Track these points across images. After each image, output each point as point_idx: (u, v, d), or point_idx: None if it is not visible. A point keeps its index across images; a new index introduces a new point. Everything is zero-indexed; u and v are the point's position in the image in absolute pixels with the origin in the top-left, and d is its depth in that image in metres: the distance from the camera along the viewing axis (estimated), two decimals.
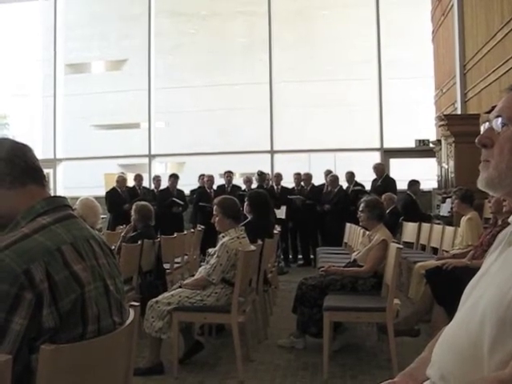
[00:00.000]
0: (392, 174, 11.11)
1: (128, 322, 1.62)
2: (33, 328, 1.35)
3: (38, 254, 1.39)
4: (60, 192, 12.88)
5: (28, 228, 1.47)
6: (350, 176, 10.64)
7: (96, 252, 1.57)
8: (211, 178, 10.91)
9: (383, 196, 8.34)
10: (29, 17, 15.06)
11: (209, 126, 13.29)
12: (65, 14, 14.17)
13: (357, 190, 10.08)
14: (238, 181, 11.53)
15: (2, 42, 14.48)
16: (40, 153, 13.28)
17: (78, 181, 13.36)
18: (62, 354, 1.32)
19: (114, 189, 10.62)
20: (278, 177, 10.99)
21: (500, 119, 1.20)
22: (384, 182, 10.15)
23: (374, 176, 10.45)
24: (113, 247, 4.61)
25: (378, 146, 12.58)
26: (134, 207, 5.77)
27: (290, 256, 10.83)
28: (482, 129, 1.25)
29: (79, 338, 1.43)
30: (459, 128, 8.26)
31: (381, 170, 10.46)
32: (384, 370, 4.05)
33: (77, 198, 5.03)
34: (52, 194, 1.65)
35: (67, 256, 1.45)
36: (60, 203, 1.60)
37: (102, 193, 10.93)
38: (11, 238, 1.42)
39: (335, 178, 10.41)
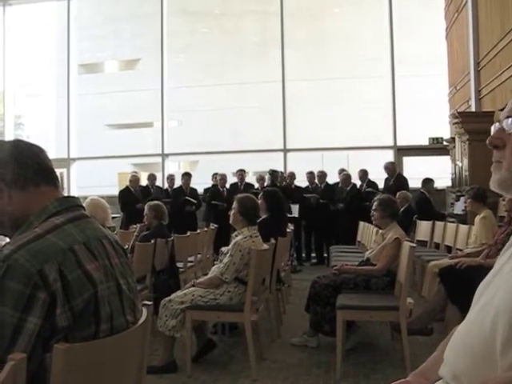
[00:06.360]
0: (405, 172, 11.04)
1: (141, 321, 1.63)
2: (47, 327, 1.36)
3: (51, 254, 1.41)
4: (74, 191, 12.98)
5: (41, 228, 1.48)
6: (363, 174, 10.59)
7: (108, 251, 1.58)
8: (224, 177, 10.94)
9: (398, 194, 8.31)
10: (42, 18, 15.18)
11: (222, 124, 13.30)
12: (78, 14, 14.26)
13: (369, 191, 10.00)
14: (251, 179, 11.53)
15: (17, 42, 14.59)
16: (54, 152, 13.39)
17: (92, 180, 13.42)
18: (75, 353, 1.33)
19: (126, 188, 10.67)
20: (292, 176, 10.98)
21: (511, 119, 1.18)
22: (396, 180, 10.09)
23: (386, 174, 10.40)
24: (126, 246, 4.65)
25: (391, 143, 12.52)
26: (147, 206, 5.79)
27: (303, 254, 10.83)
28: (493, 129, 1.23)
29: (92, 337, 1.44)
30: (473, 126, 8.21)
31: (392, 169, 10.39)
32: (397, 368, 4.03)
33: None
34: (65, 195, 1.66)
35: (80, 256, 1.47)
36: (72, 203, 1.62)
37: (116, 192, 10.99)
38: (25, 238, 1.44)
39: (347, 177, 10.39)
